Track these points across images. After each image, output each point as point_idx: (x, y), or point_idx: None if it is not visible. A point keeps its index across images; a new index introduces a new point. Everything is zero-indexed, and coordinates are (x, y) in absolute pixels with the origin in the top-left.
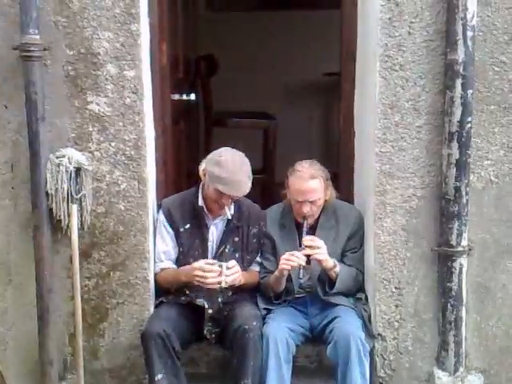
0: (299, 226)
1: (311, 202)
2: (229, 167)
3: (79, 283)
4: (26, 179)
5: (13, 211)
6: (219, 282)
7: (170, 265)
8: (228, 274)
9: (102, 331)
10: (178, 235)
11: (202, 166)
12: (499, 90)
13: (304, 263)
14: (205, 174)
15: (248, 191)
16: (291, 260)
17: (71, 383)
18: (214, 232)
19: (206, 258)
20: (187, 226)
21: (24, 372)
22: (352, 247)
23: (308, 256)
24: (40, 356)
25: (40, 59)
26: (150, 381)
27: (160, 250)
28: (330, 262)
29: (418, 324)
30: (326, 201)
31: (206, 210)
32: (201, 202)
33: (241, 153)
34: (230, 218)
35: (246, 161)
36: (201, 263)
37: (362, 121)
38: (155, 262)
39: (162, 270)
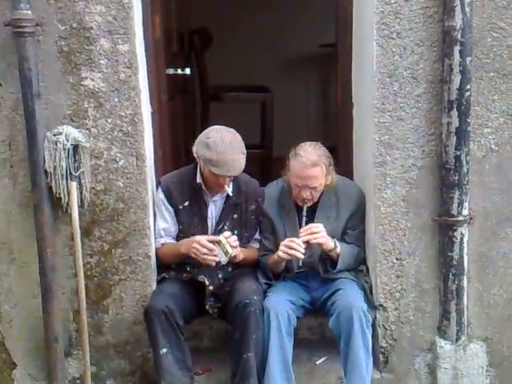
0: (299, 206)
1: (311, 188)
2: (218, 148)
3: (81, 261)
4: (25, 157)
5: (12, 190)
6: (217, 263)
7: (171, 240)
8: (230, 240)
9: (105, 307)
10: (177, 213)
11: (194, 148)
12: (498, 57)
13: (303, 256)
14: (198, 157)
15: (243, 167)
16: (290, 251)
17: (77, 359)
18: (213, 209)
19: (206, 235)
20: (186, 203)
21: (30, 349)
22: (353, 225)
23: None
24: (45, 333)
25: (32, 35)
26: (155, 355)
27: (160, 227)
28: (330, 243)
29: (419, 294)
30: (326, 185)
31: (204, 187)
32: (199, 180)
33: (230, 129)
34: (230, 194)
35: (237, 137)
36: (201, 237)
37: (360, 91)
38: (156, 238)
39: (163, 245)
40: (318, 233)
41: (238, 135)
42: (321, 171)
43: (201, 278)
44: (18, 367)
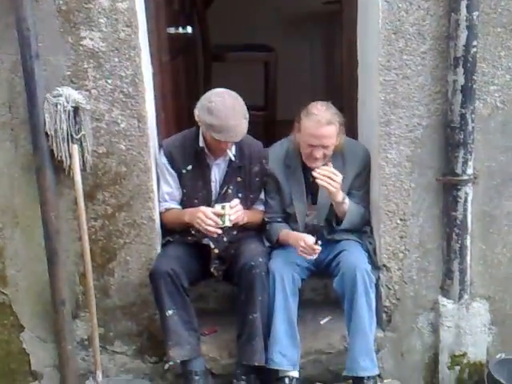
0: (305, 167)
1: (324, 147)
2: (220, 113)
3: (85, 224)
4: (25, 120)
5: (14, 153)
6: (218, 233)
7: (175, 205)
8: (231, 212)
9: (111, 270)
10: (180, 177)
11: (196, 112)
12: (506, 11)
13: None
14: (200, 121)
15: (245, 132)
16: (307, 253)
17: (84, 320)
18: (217, 172)
19: (210, 199)
20: (189, 167)
21: (38, 311)
22: (358, 185)
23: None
24: (52, 296)
25: None
26: (161, 316)
27: (164, 191)
28: (339, 195)
29: (422, 254)
30: (336, 146)
31: (207, 150)
32: (202, 143)
33: (233, 93)
34: (233, 159)
35: (239, 101)
36: (207, 209)
37: (365, 49)
38: (160, 202)
39: (167, 209)
40: (335, 181)
41: (240, 99)
42: (335, 130)
43: (205, 241)
44: (26, 330)
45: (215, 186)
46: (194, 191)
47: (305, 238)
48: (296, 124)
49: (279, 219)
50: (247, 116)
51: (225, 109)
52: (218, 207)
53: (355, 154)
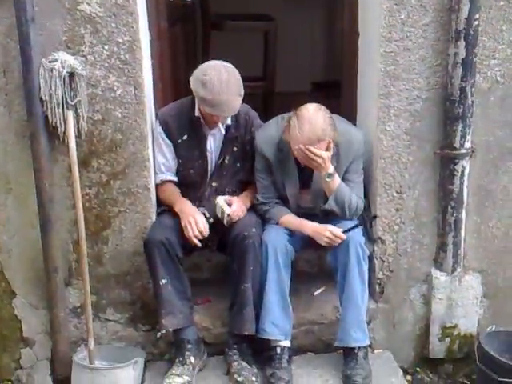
0: None
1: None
2: (214, 88)
3: (79, 192)
4: (20, 85)
5: (8, 119)
6: (200, 241)
7: (171, 177)
8: (230, 212)
9: (105, 238)
10: (176, 147)
11: (191, 82)
12: None
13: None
14: (194, 92)
15: (237, 109)
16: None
17: (77, 288)
18: (212, 143)
19: (207, 169)
20: (185, 137)
21: (30, 278)
22: (352, 172)
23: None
24: (44, 263)
25: None
26: (155, 285)
27: (160, 162)
28: (326, 168)
29: (417, 227)
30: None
31: (202, 120)
32: (197, 113)
33: (229, 66)
34: (223, 132)
35: (235, 75)
36: (200, 217)
37: (367, 20)
38: (156, 173)
39: (163, 182)
40: (320, 158)
41: (236, 74)
42: (326, 144)
43: (201, 210)
44: (18, 296)
45: (211, 156)
46: (190, 161)
47: (329, 228)
48: (286, 123)
49: (276, 201)
50: (242, 92)
51: (219, 83)
52: (220, 200)
53: (349, 141)
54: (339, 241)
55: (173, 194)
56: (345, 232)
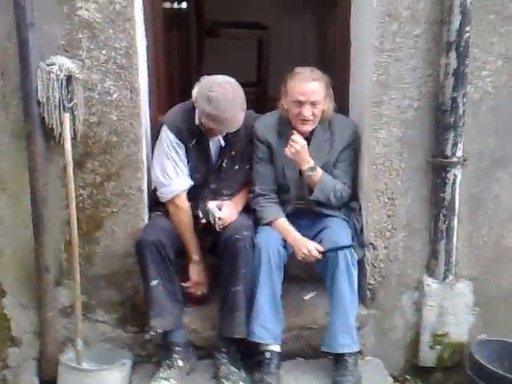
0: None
1: (312, 105)
2: (220, 105)
3: (73, 192)
4: (17, 87)
5: (5, 120)
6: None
7: (187, 181)
8: (222, 215)
9: (97, 239)
10: (187, 150)
11: (194, 94)
12: None
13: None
14: (197, 105)
15: (240, 123)
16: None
17: (68, 288)
18: (212, 147)
19: (209, 172)
20: (194, 141)
21: (21, 277)
22: (343, 159)
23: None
24: (36, 262)
25: None
26: (146, 286)
27: (172, 168)
28: (304, 164)
29: (409, 233)
30: (323, 111)
31: (202, 128)
32: (197, 121)
33: (234, 83)
34: (223, 145)
35: (239, 92)
36: (197, 276)
37: (359, 30)
38: (164, 186)
39: (177, 195)
40: (296, 143)
41: (240, 90)
42: (321, 87)
43: (197, 212)
44: (8, 295)
45: (212, 159)
46: (197, 166)
47: (308, 246)
48: (282, 89)
49: (273, 196)
50: (244, 107)
51: (224, 101)
52: (211, 205)
53: (343, 128)
54: (313, 259)
55: (186, 227)
56: (328, 251)
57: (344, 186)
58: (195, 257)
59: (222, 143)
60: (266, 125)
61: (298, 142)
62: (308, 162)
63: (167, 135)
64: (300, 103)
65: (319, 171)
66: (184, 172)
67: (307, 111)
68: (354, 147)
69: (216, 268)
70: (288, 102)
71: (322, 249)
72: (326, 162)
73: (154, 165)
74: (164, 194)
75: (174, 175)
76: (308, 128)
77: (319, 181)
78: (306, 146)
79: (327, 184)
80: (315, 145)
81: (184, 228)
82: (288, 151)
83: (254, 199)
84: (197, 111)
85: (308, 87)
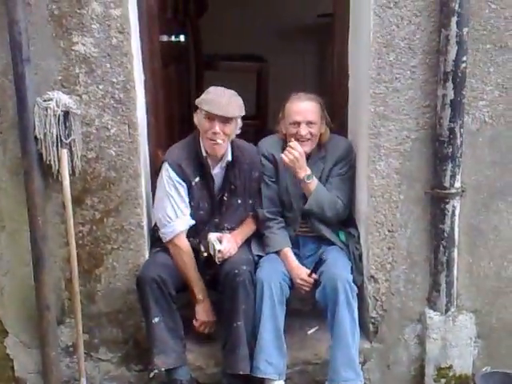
0: None
1: (309, 124)
2: (216, 92)
3: (73, 229)
4: (14, 124)
5: (2, 157)
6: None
7: (189, 221)
8: (222, 248)
9: (97, 276)
10: (190, 188)
11: (196, 103)
12: (495, 29)
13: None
14: (198, 106)
15: (236, 114)
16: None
17: (69, 326)
18: (216, 180)
19: (212, 208)
20: (197, 178)
21: (22, 316)
22: (335, 173)
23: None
24: (37, 301)
25: None
26: (147, 324)
27: (171, 208)
28: (301, 172)
29: (409, 266)
30: (321, 135)
31: (208, 159)
32: (204, 152)
33: (232, 91)
34: (230, 159)
35: (236, 95)
36: (201, 318)
37: (356, 62)
38: (165, 224)
39: (181, 232)
40: (294, 149)
41: (238, 96)
42: (316, 107)
43: (194, 242)
44: (10, 335)
45: (214, 196)
46: (200, 204)
47: (300, 275)
48: (280, 115)
49: (279, 217)
50: (242, 106)
51: (221, 92)
52: (212, 237)
53: (336, 145)
54: (308, 287)
55: (189, 270)
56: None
57: (338, 200)
58: (200, 296)
59: (229, 158)
60: (269, 142)
61: (295, 148)
62: (305, 170)
63: (168, 173)
64: (297, 124)
65: (315, 180)
66: (184, 212)
67: (304, 130)
68: (349, 163)
69: (218, 303)
70: (285, 125)
71: (315, 277)
72: (320, 178)
73: (155, 203)
74: (165, 235)
75: (173, 216)
76: (306, 149)
77: (315, 190)
78: (304, 153)
79: (322, 193)
80: (311, 164)
81: (187, 268)
82: (286, 158)
83: (264, 223)
84: (201, 138)
85: (303, 105)
